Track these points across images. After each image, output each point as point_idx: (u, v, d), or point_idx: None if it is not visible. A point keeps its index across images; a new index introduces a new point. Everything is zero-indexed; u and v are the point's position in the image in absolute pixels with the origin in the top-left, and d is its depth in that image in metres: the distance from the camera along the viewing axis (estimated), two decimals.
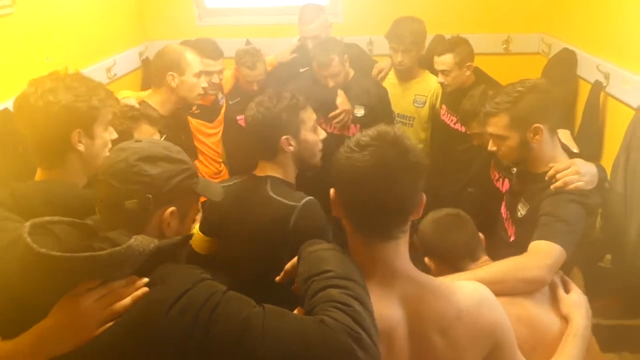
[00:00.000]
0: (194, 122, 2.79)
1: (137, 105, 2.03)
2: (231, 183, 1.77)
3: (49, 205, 1.22)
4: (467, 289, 1.13)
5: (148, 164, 1.09)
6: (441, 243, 1.63)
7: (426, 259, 1.67)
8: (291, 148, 1.71)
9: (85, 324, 0.95)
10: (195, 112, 2.79)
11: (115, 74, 3.05)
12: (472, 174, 2.77)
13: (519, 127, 1.71)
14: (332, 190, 1.11)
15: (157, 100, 2.28)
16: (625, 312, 2.23)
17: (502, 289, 1.40)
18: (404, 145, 1.04)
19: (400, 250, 1.08)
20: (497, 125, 1.76)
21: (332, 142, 1.82)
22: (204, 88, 2.39)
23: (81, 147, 1.38)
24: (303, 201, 1.62)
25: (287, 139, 1.69)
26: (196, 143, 2.83)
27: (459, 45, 2.69)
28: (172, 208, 1.12)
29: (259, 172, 1.74)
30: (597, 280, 2.22)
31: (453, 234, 1.63)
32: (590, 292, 2.00)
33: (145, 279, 0.99)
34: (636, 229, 2.12)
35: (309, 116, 1.77)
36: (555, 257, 1.51)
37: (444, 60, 2.68)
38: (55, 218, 1.05)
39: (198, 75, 2.34)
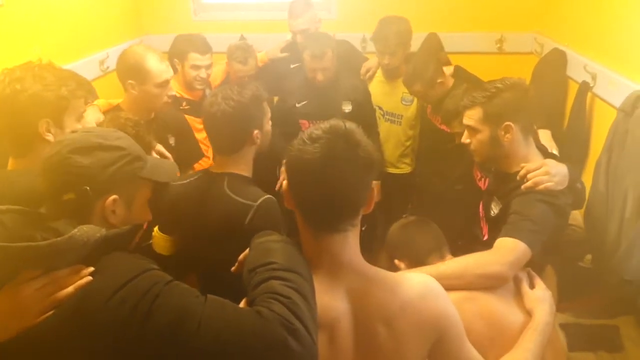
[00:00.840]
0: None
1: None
2: (188, 180, 1.75)
3: (14, 196, 1.21)
4: (413, 281, 1.15)
5: (81, 155, 1.09)
6: (409, 244, 1.71)
7: (395, 261, 1.70)
8: (258, 141, 1.71)
9: (25, 312, 0.96)
10: (185, 107, 2.81)
11: (108, 67, 3.07)
12: (459, 173, 2.78)
13: (491, 123, 1.73)
14: (284, 182, 1.12)
15: (128, 106, 2.20)
16: (604, 312, 2.23)
17: (462, 284, 1.43)
18: (354, 140, 1.05)
19: (348, 243, 1.09)
20: (471, 117, 1.79)
21: None
22: (170, 96, 2.24)
23: (49, 137, 1.38)
24: (259, 201, 1.61)
25: (257, 133, 1.69)
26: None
27: (422, 71, 2.58)
28: (114, 196, 1.12)
29: (216, 169, 1.73)
30: (577, 280, 2.22)
31: (419, 235, 1.73)
32: (569, 291, 2.02)
33: (90, 268, 1.01)
34: (616, 229, 2.12)
35: (267, 107, 1.77)
36: (518, 254, 1.52)
37: (414, 90, 2.66)
38: (4, 207, 1.05)
39: (162, 85, 2.18)
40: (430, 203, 3.06)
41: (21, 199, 1.13)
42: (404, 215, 1.87)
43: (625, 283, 2.00)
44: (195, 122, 2.93)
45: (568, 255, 2.26)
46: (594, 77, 2.53)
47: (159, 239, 1.83)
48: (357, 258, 1.11)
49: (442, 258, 1.71)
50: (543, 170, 1.66)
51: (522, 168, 1.70)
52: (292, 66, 3.09)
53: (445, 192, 2.90)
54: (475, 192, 2.41)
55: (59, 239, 0.96)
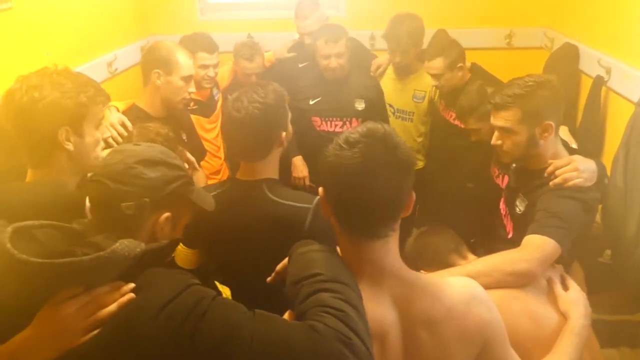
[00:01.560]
0: (192, 118, 2.78)
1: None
2: (215, 192, 1.63)
3: (34, 208, 1.18)
4: (457, 286, 1.12)
5: (147, 167, 1.08)
6: (428, 250, 1.69)
7: (422, 272, 1.69)
8: (285, 143, 1.63)
9: (67, 333, 0.93)
10: (193, 107, 2.80)
11: (116, 69, 3.05)
12: (472, 170, 2.76)
13: (530, 123, 1.68)
14: (320, 189, 1.09)
15: (146, 101, 2.21)
16: (625, 307, 2.22)
17: (490, 282, 1.40)
18: (393, 143, 1.02)
19: (389, 249, 1.06)
20: (507, 119, 1.71)
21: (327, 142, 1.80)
22: (190, 93, 2.27)
23: (69, 146, 1.33)
24: (315, 202, 1.54)
25: (285, 135, 1.62)
26: None
27: (449, 48, 2.65)
28: (168, 214, 1.11)
29: (246, 176, 1.63)
30: (596, 275, 2.21)
31: (435, 239, 1.73)
32: (589, 287, 2.00)
33: (131, 285, 0.97)
34: (635, 224, 2.11)
35: (287, 106, 1.68)
36: (547, 251, 1.50)
37: (434, 65, 2.65)
38: (38, 222, 1.02)
39: (187, 79, 2.22)
40: (440, 200, 3.04)
41: (43, 212, 1.09)
42: (413, 229, 1.84)
43: None
44: (204, 122, 2.93)
45: (587, 251, 2.25)
46: (608, 71, 2.51)
47: (183, 252, 1.76)
48: (399, 264, 1.08)
49: (463, 257, 1.69)
50: (572, 167, 1.63)
51: (550, 165, 1.67)
52: (300, 65, 3.07)
53: (457, 189, 2.89)
54: (490, 189, 2.39)
55: (101, 253, 0.92)
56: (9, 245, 0.90)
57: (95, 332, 0.94)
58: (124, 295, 0.96)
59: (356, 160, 0.99)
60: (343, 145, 1.02)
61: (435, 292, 1.07)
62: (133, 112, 2.13)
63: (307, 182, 2.92)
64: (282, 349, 0.90)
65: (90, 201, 1.10)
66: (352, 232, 1.06)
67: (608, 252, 2.32)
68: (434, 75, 2.69)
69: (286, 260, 1.18)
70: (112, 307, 0.95)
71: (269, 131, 1.58)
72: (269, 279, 1.21)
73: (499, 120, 1.74)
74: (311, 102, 2.85)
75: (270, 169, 1.64)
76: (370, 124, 1.05)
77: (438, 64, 2.63)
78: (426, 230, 1.84)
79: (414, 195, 1.06)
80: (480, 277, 1.40)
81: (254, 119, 1.53)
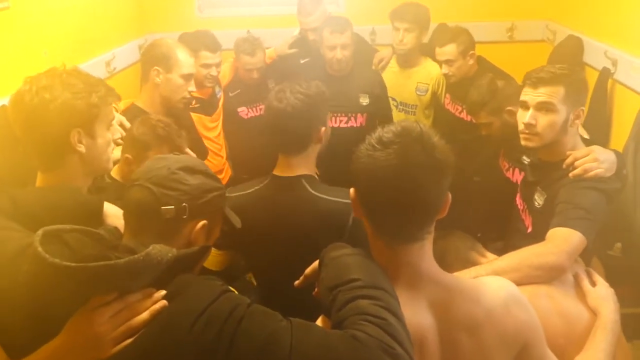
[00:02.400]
0: (194, 117, 2.74)
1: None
2: (252, 190, 1.63)
3: (52, 213, 1.16)
4: (494, 287, 1.08)
5: (189, 174, 1.08)
6: (447, 253, 1.65)
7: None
8: (323, 139, 1.62)
9: (100, 342, 0.89)
10: (195, 105, 2.76)
11: (114, 68, 3.00)
12: (478, 164, 2.74)
13: (570, 104, 1.65)
14: (352, 190, 1.05)
15: (145, 100, 2.17)
16: (636, 301, 2.20)
17: (519, 277, 1.37)
18: (430, 143, 0.97)
19: (425, 252, 1.03)
20: (551, 94, 1.65)
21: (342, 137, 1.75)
22: (190, 92, 2.25)
23: (81, 148, 1.29)
24: None
25: (324, 130, 1.60)
26: None
27: (461, 35, 2.66)
28: (204, 222, 1.09)
29: (285, 172, 1.60)
30: (607, 268, 2.19)
31: (452, 242, 1.71)
32: None
33: (163, 291, 0.94)
34: None
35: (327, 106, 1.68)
36: (574, 244, 1.46)
37: (447, 51, 2.65)
38: (67, 226, 0.99)
39: (187, 77, 2.19)
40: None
41: (61, 217, 1.06)
42: None
43: None
44: (206, 120, 2.89)
45: (598, 244, 2.23)
46: (614, 63, 2.49)
47: (211, 255, 1.74)
48: (435, 267, 1.05)
49: (482, 255, 1.67)
50: (592, 157, 1.61)
51: (569, 156, 1.65)
52: (302, 61, 3.04)
53: (462, 184, 2.86)
54: (497, 182, 2.37)
55: (135, 256, 0.89)
56: (39, 248, 0.87)
57: (129, 341, 0.91)
58: (156, 302, 0.93)
59: (391, 161, 0.95)
60: (377, 145, 0.98)
61: (474, 295, 1.04)
62: (132, 112, 2.09)
63: None
64: (324, 359, 0.86)
65: (127, 206, 1.08)
66: (387, 235, 1.02)
67: (618, 245, 2.31)
68: (446, 62, 2.67)
69: (316, 263, 1.13)
70: (145, 315, 0.91)
71: (309, 124, 1.58)
72: (296, 282, 1.17)
73: (540, 95, 1.66)
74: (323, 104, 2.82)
75: (308, 165, 1.63)
76: (406, 123, 1.01)
77: (451, 49, 2.63)
78: (440, 235, 1.80)
79: (450, 196, 1.02)
80: (509, 272, 1.37)
81: (296, 110, 1.54)
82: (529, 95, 1.71)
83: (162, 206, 1.03)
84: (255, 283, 1.98)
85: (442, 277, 1.05)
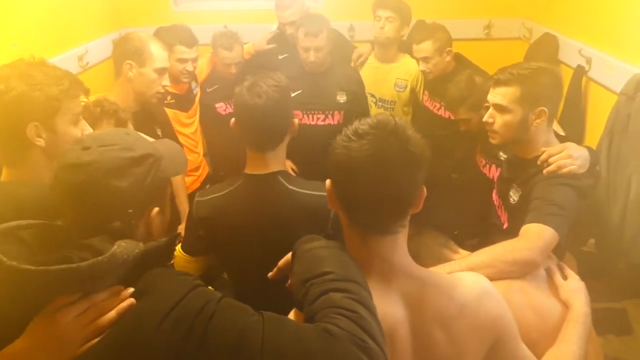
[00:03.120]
0: (169, 113, 2.69)
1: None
2: (226, 190, 1.58)
3: (18, 209, 1.10)
4: (468, 282, 1.09)
5: (117, 178, 0.97)
6: (421, 251, 1.68)
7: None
8: (294, 133, 1.59)
9: (64, 343, 0.86)
10: (170, 101, 2.70)
11: (87, 63, 2.94)
12: (456, 160, 2.75)
13: (526, 105, 1.67)
14: (327, 182, 1.04)
15: (117, 94, 2.11)
16: (610, 296, 2.24)
17: (493, 273, 1.39)
18: (405, 135, 0.97)
19: (399, 245, 1.03)
20: (504, 95, 1.70)
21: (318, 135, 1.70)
22: (164, 87, 2.19)
23: (40, 142, 1.24)
24: None
25: (295, 122, 1.58)
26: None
27: (438, 32, 2.67)
28: (156, 208, 1.05)
29: (257, 170, 1.56)
30: (581, 264, 2.23)
31: (424, 240, 1.78)
32: None
33: (131, 289, 0.92)
34: (619, 213, 2.13)
35: None
36: (546, 239, 1.49)
37: (424, 48, 2.65)
38: (24, 222, 0.94)
39: (160, 71, 2.14)
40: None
41: (27, 213, 1.00)
42: None
43: (635, 267, 2.00)
44: (182, 116, 2.84)
45: (572, 240, 2.26)
46: (589, 61, 2.52)
47: (184, 260, 1.68)
48: (408, 260, 1.05)
49: (455, 252, 1.69)
50: (565, 154, 1.63)
51: (543, 153, 1.67)
52: (280, 57, 3.01)
53: (440, 180, 2.88)
54: (475, 179, 2.39)
55: (99, 258, 0.86)
56: None
57: (95, 341, 0.88)
58: (123, 300, 0.90)
59: (366, 152, 0.95)
60: (352, 136, 0.98)
61: (447, 290, 1.05)
62: (127, 112, 2.04)
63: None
64: (296, 354, 0.85)
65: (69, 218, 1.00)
66: (361, 227, 1.02)
67: (592, 241, 2.34)
68: (423, 59, 2.68)
69: (289, 255, 1.12)
70: (112, 314, 0.89)
71: (287, 115, 1.56)
72: (270, 274, 1.16)
73: (496, 96, 1.73)
74: (292, 95, 2.79)
75: (280, 161, 1.59)
76: (381, 116, 1.01)
77: (427, 46, 2.63)
78: (413, 232, 1.82)
79: (425, 190, 1.02)
80: (483, 268, 1.39)
81: (276, 103, 1.50)
82: (490, 95, 1.76)
83: (108, 224, 0.97)
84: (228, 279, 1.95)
85: (415, 271, 1.05)
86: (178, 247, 1.68)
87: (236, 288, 1.78)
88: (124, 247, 0.90)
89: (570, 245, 2.15)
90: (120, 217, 0.97)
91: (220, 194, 1.59)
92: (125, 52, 2.11)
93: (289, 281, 1.10)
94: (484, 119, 1.78)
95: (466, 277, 1.12)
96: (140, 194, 1.00)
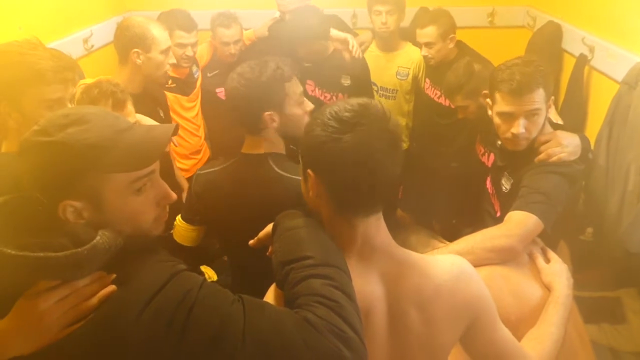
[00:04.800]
0: (170, 97, 2.72)
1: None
2: (221, 166, 1.65)
3: (14, 179, 1.09)
4: (446, 263, 1.11)
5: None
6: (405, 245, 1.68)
7: None
8: (274, 124, 1.59)
9: (45, 327, 0.86)
10: (171, 85, 2.73)
11: (92, 45, 2.95)
12: (456, 149, 2.76)
13: (547, 99, 1.67)
14: (310, 172, 1.03)
15: (123, 79, 2.14)
16: (605, 284, 2.25)
17: (473, 260, 1.39)
18: (389, 119, 0.99)
19: (381, 225, 1.05)
20: (537, 100, 1.64)
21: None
22: (172, 64, 2.26)
23: (11, 122, 1.27)
24: None
25: (270, 115, 1.57)
26: (175, 117, 2.77)
27: (442, 17, 2.66)
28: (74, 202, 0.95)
29: (251, 150, 1.62)
30: (578, 253, 2.24)
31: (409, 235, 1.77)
32: (571, 264, 2.03)
33: (112, 276, 0.91)
34: (617, 202, 2.12)
35: (294, 89, 1.62)
36: (528, 227, 1.51)
37: (428, 33, 2.65)
38: (8, 196, 0.93)
39: (165, 52, 2.20)
40: (424, 181, 3.04)
41: (16, 183, 0.98)
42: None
43: (631, 256, 2.01)
44: (183, 100, 2.86)
45: (569, 229, 2.27)
46: (591, 50, 2.51)
47: (184, 229, 1.75)
48: (389, 240, 1.07)
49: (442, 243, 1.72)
50: (555, 142, 1.63)
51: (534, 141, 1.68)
52: None
53: (441, 169, 2.89)
54: (475, 168, 2.39)
55: (79, 250, 0.85)
56: None
57: (76, 326, 0.88)
58: (105, 287, 0.89)
59: (357, 143, 0.95)
60: (338, 126, 0.96)
61: (424, 270, 1.06)
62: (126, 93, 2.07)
63: None
64: (276, 344, 0.86)
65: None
66: (349, 211, 1.02)
67: (589, 230, 2.35)
68: (426, 44, 2.67)
69: (269, 227, 1.14)
70: (93, 301, 0.88)
71: (250, 107, 1.56)
72: (251, 242, 1.18)
73: (528, 103, 1.64)
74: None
75: (272, 143, 1.62)
76: (362, 101, 1.01)
77: (431, 31, 2.63)
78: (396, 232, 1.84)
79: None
80: (463, 255, 1.40)
81: (237, 94, 1.56)
82: (514, 105, 1.66)
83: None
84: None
85: (395, 251, 1.07)
86: (178, 217, 1.76)
87: (232, 266, 1.84)
88: (107, 237, 0.89)
89: (567, 234, 2.17)
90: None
91: (216, 169, 1.66)
92: (130, 41, 2.16)
93: (269, 249, 1.13)
94: (516, 131, 1.67)
95: (445, 259, 1.14)
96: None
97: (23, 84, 1.27)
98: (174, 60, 2.27)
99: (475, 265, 1.37)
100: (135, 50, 2.14)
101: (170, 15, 2.71)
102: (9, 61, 1.26)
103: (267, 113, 1.57)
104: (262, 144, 1.61)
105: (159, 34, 2.18)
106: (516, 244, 1.49)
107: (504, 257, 1.49)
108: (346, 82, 2.73)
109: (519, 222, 1.52)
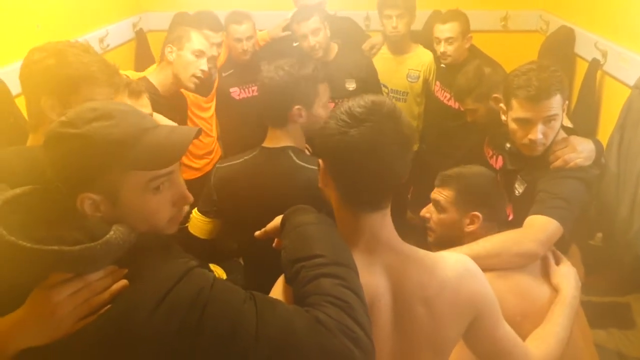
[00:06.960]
0: (190, 97, 2.74)
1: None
2: (243, 159, 1.70)
3: (31, 171, 1.10)
4: (451, 260, 1.13)
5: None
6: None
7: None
8: (301, 119, 1.65)
9: (58, 320, 0.87)
10: None
11: (108, 45, 3.01)
12: (464, 151, 2.76)
13: (562, 105, 1.67)
14: (320, 162, 1.07)
15: (157, 78, 2.25)
16: (614, 289, 2.24)
17: (498, 263, 1.43)
18: (400, 118, 1.01)
19: (386, 220, 1.07)
20: (554, 105, 1.63)
21: None
22: (202, 71, 2.30)
23: (53, 116, 1.28)
24: None
25: (299, 109, 1.63)
26: (193, 118, 2.80)
27: (462, 15, 2.72)
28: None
29: (273, 143, 1.67)
30: (588, 257, 2.23)
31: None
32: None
33: (124, 270, 0.91)
34: (628, 208, 2.12)
35: (324, 91, 1.71)
36: (550, 232, 1.51)
37: (450, 28, 2.67)
38: (27, 188, 0.94)
39: (198, 54, 2.27)
40: (433, 183, 3.03)
41: (40, 176, 0.99)
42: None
43: None
44: (201, 101, 2.89)
45: (579, 234, 2.27)
46: (604, 55, 2.50)
47: (200, 221, 1.77)
48: (394, 235, 1.09)
49: None
50: (571, 148, 1.64)
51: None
52: (295, 44, 3.03)
53: None
54: None
55: (92, 245, 0.86)
56: None
57: (88, 320, 0.88)
58: (117, 281, 0.90)
59: (365, 138, 0.97)
60: (348, 120, 0.99)
61: (429, 266, 1.08)
62: (142, 84, 2.12)
63: None
64: (288, 344, 0.87)
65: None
66: (356, 205, 1.05)
67: (599, 234, 2.34)
68: (446, 39, 2.69)
69: (278, 219, 1.16)
70: (105, 296, 0.89)
71: (282, 99, 1.63)
72: (257, 233, 1.20)
73: (546, 109, 1.62)
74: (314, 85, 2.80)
75: (294, 138, 1.68)
76: (374, 98, 1.03)
77: (453, 27, 2.67)
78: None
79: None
80: (489, 258, 1.43)
81: (271, 83, 1.63)
82: (531, 112, 1.64)
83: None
84: (243, 263, 2.00)
85: (400, 246, 1.08)
86: (195, 209, 1.79)
87: (247, 262, 1.86)
88: (120, 232, 0.90)
89: (578, 239, 2.16)
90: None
91: (237, 162, 1.70)
92: (169, 37, 2.29)
93: (275, 241, 1.16)
94: (534, 137, 1.65)
95: (449, 256, 1.16)
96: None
97: (76, 83, 1.30)
98: (205, 67, 2.32)
99: (500, 269, 1.43)
100: (169, 45, 2.25)
101: (198, 15, 2.80)
102: (64, 60, 1.29)
103: (296, 107, 1.63)
104: (285, 138, 1.66)
105: (196, 37, 2.29)
106: (540, 249, 1.50)
107: (528, 261, 1.50)
108: (351, 86, 2.73)
109: (542, 226, 1.52)
